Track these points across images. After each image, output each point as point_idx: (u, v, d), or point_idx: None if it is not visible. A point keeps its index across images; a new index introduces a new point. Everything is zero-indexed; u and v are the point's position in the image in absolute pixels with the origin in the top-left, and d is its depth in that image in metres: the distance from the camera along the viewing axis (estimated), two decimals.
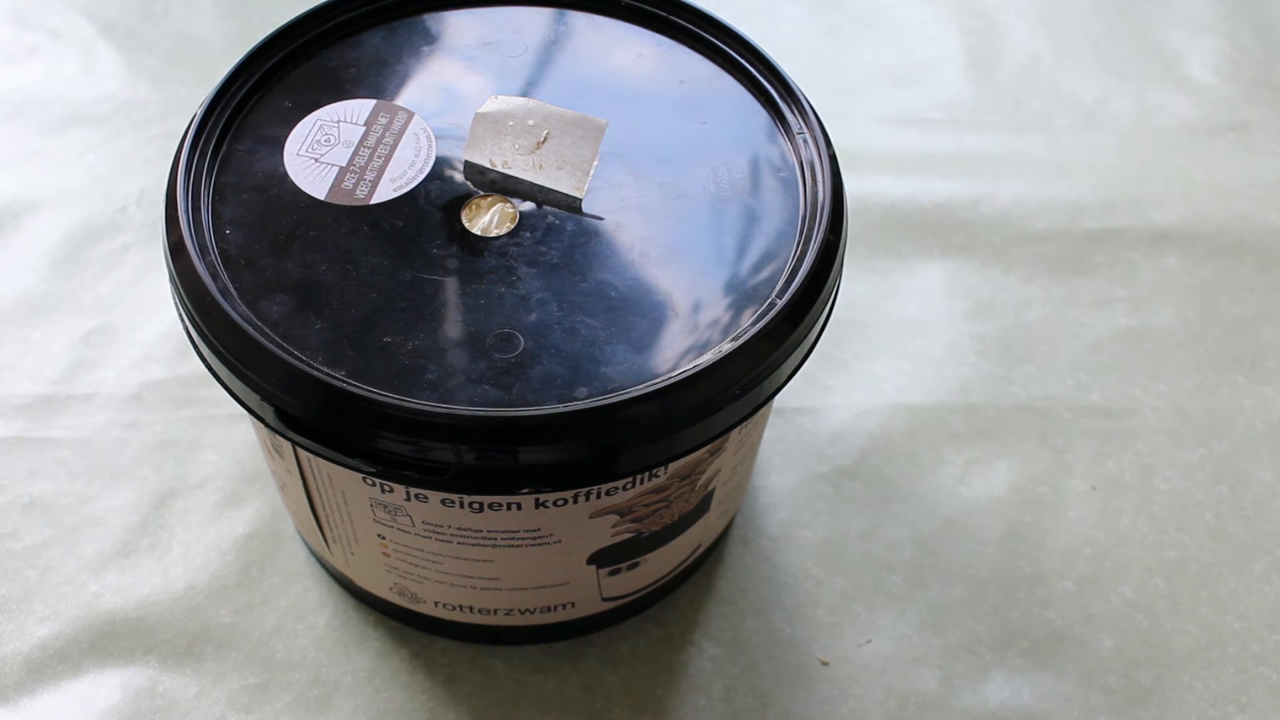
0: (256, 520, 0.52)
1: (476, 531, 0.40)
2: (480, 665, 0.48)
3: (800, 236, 0.40)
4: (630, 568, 0.45)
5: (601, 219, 0.40)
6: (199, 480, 0.53)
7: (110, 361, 0.56)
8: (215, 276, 0.37)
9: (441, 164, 0.41)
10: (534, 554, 0.41)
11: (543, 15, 0.46)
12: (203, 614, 0.49)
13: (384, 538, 0.42)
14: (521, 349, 0.37)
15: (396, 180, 0.41)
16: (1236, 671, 0.49)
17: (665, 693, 0.48)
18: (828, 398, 0.57)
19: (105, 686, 0.47)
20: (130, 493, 0.52)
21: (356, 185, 0.41)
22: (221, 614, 0.49)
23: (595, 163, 0.41)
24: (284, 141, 0.42)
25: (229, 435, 0.54)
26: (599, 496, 0.39)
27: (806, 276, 0.38)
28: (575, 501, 0.39)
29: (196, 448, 0.54)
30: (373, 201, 0.40)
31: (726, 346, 0.36)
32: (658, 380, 0.36)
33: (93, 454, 0.53)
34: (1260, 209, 0.64)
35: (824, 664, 0.49)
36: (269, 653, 0.48)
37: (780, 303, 0.37)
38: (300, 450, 0.39)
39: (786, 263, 0.39)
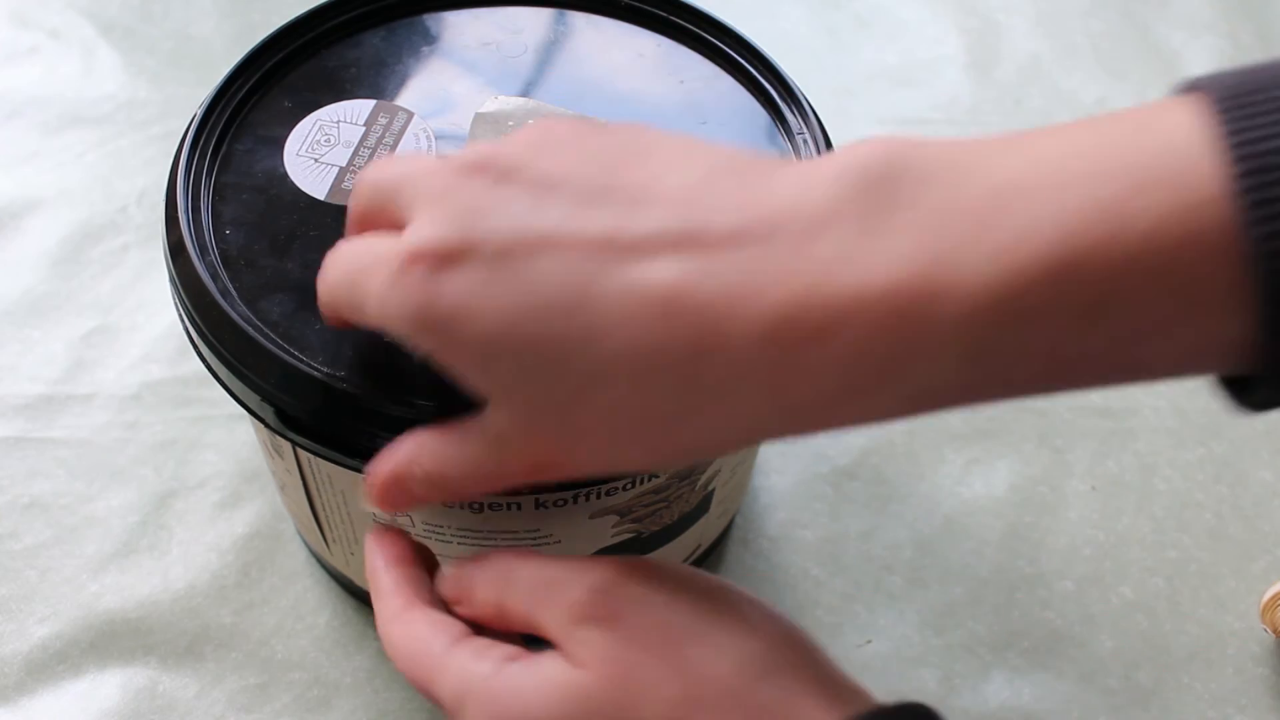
0: (256, 520, 0.52)
1: (476, 532, 0.40)
2: None
3: None
4: None
5: None
6: (199, 480, 0.53)
7: (110, 361, 0.56)
8: (215, 276, 0.37)
9: None
10: None
11: (543, 15, 0.46)
12: (203, 614, 0.49)
13: None
14: None
15: None
16: (1236, 672, 0.49)
17: None
18: None
19: (105, 687, 0.47)
20: (130, 493, 0.52)
21: None
22: (221, 614, 0.49)
23: None
24: (284, 141, 0.42)
25: (229, 435, 0.54)
26: (599, 497, 0.39)
27: None
28: (575, 502, 0.38)
29: (196, 448, 0.54)
30: None
31: None
32: None
33: (93, 454, 0.53)
34: None
35: None
36: (269, 653, 0.48)
37: None
38: (300, 450, 0.39)
39: None
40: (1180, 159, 0.23)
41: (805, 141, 0.42)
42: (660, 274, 0.25)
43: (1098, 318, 0.23)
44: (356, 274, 0.29)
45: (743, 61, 0.44)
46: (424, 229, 0.27)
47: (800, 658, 0.30)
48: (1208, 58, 0.72)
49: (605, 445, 0.27)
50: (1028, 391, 0.25)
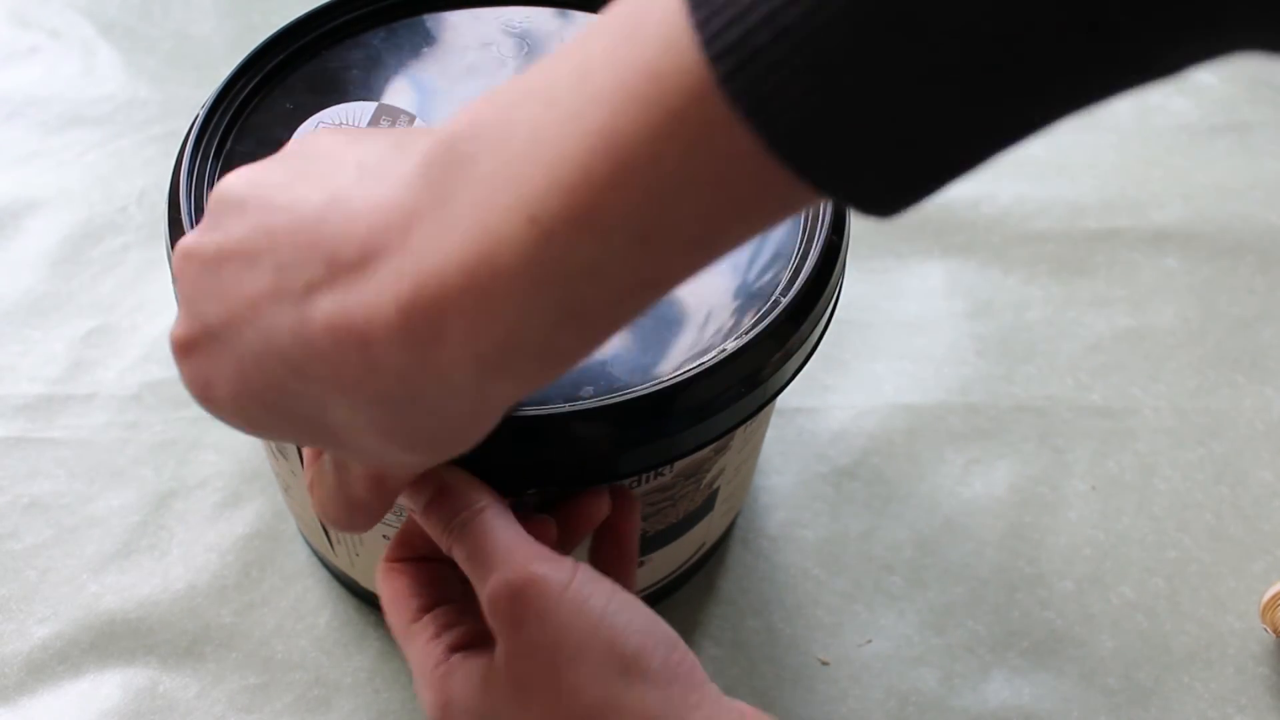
0: (256, 520, 0.52)
1: None
2: None
3: (803, 236, 0.40)
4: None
5: None
6: (199, 480, 0.53)
7: (110, 361, 0.56)
8: None
9: None
10: None
11: (543, 15, 0.46)
12: (203, 614, 0.49)
13: (389, 539, 0.42)
14: None
15: None
16: (1237, 672, 0.49)
17: None
18: (828, 397, 0.57)
19: (105, 686, 0.47)
20: (130, 493, 0.52)
21: None
22: (222, 614, 0.49)
23: None
24: (286, 144, 0.42)
25: (229, 435, 0.54)
26: None
27: (809, 276, 0.38)
28: None
29: (196, 448, 0.54)
30: None
31: (730, 346, 0.36)
32: (663, 380, 0.36)
33: (93, 454, 0.53)
34: (1260, 209, 0.64)
35: (824, 664, 0.49)
36: (269, 653, 0.48)
37: (784, 302, 0.37)
38: (305, 451, 0.39)
39: (790, 263, 0.39)
40: (654, 61, 0.22)
41: None
42: (320, 312, 0.26)
43: (657, 236, 0.23)
44: None
45: None
46: (174, 325, 0.29)
47: (680, 666, 0.33)
48: None
49: (378, 450, 0.28)
50: (650, 300, 0.25)
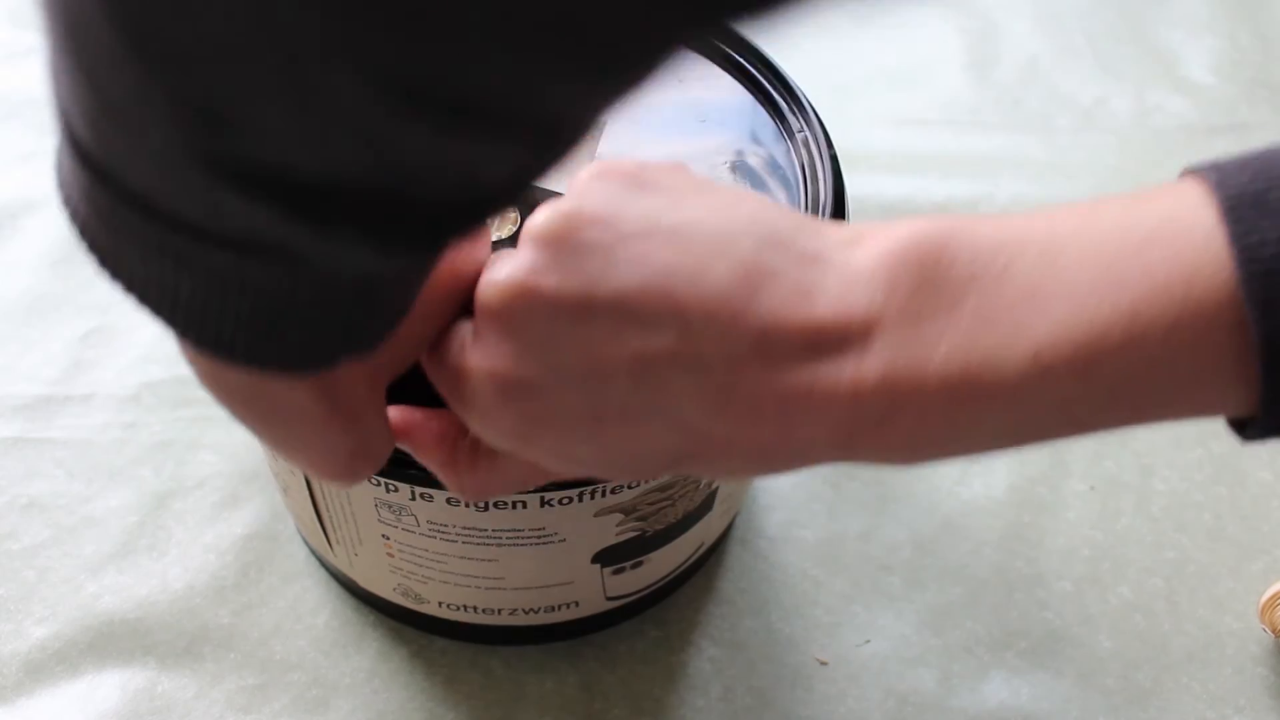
0: (255, 521, 0.52)
1: (481, 530, 0.40)
2: (479, 665, 0.48)
3: None
4: (634, 566, 0.44)
5: None
6: (197, 481, 0.53)
7: (109, 361, 0.56)
8: None
9: None
10: (539, 553, 0.41)
11: None
12: (201, 615, 0.49)
13: (388, 538, 0.42)
14: None
15: None
16: (1235, 672, 0.49)
17: (664, 693, 0.48)
18: None
19: (104, 687, 0.47)
20: (129, 493, 0.52)
21: None
22: (220, 615, 0.49)
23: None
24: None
25: (228, 435, 0.54)
26: (604, 495, 0.38)
27: None
28: (580, 500, 0.38)
29: (195, 448, 0.54)
30: None
31: None
32: None
33: (91, 454, 0.53)
34: None
35: (823, 664, 0.49)
36: (267, 653, 0.48)
37: None
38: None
39: None
40: (1191, 266, 0.26)
41: (806, 141, 0.42)
42: (747, 384, 0.27)
43: (1117, 398, 0.27)
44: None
45: (742, 60, 0.44)
46: (488, 360, 0.28)
47: None
48: (1206, 58, 0.72)
49: (669, 466, 0.30)
50: (1053, 441, 0.28)
